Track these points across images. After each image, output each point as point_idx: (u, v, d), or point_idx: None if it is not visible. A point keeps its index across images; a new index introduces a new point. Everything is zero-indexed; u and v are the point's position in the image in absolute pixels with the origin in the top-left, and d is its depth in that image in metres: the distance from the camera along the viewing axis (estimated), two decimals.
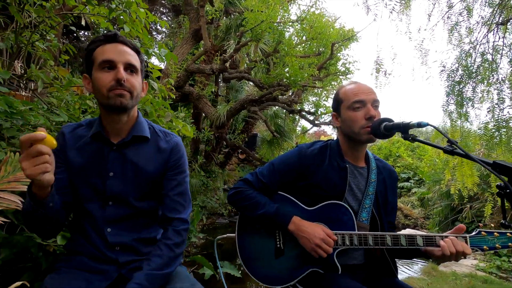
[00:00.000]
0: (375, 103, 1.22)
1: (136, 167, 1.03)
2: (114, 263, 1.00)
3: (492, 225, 4.19)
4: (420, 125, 0.90)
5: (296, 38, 5.68)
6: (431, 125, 0.93)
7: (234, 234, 1.41)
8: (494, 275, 3.22)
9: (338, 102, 1.30)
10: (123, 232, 1.02)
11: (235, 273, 2.00)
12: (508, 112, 2.60)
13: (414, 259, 4.34)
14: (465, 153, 0.71)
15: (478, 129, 2.75)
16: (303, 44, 5.88)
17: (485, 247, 1.09)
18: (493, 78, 2.81)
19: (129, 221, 1.04)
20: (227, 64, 5.02)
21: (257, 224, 1.31)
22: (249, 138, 8.69)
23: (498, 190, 0.60)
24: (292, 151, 1.37)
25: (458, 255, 1.08)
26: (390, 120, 1.10)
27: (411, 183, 9.55)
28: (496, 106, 2.71)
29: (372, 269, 1.32)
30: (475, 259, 3.87)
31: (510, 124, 2.63)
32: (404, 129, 0.98)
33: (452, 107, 2.81)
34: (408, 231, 6.63)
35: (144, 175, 1.04)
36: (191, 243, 3.53)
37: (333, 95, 1.40)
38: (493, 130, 2.64)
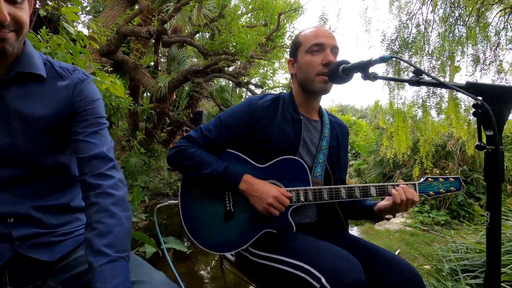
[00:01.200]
0: (334, 49, 1.13)
1: (23, 114, 0.76)
2: (6, 239, 0.74)
3: None
4: (383, 59, 0.82)
5: (242, 6, 5.41)
6: (396, 57, 0.85)
7: (176, 201, 1.23)
8: (419, 229, 3.66)
9: (296, 46, 1.19)
10: (17, 199, 0.76)
11: (181, 248, 1.84)
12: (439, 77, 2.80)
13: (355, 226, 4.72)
14: (434, 78, 0.64)
15: (411, 97, 2.95)
16: (250, 15, 5.64)
17: (431, 192, 1.12)
18: (425, 50, 3.00)
19: (26, 184, 0.78)
20: (167, 26, 4.53)
21: (203, 186, 1.15)
22: (194, 114, 8.26)
23: (474, 110, 0.52)
24: (241, 103, 1.22)
25: (408, 203, 1.08)
26: (347, 62, 1.01)
27: (349, 156, 10.33)
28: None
29: (324, 226, 1.29)
30: (402, 217, 4.36)
31: (437, 91, 2.86)
32: (364, 67, 0.90)
33: (390, 76, 2.95)
34: None
35: (38, 124, 0.78)
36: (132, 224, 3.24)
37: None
38: (425, 98, 2.84)
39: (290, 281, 0.96)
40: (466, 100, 3.53)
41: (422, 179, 1.14)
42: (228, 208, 1.14)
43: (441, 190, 1.12)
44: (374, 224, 4.02)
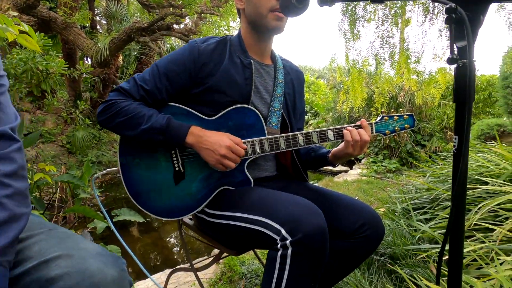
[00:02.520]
0: None
1: None
2: None
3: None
4: None
5: None
6: None
7: (116, 168, 1.07)
8: (373, 177, 3.91)
9: None
10: None
11: (137, 218, 1.69)
12: (391, 29, 2.79)
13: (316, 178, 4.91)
14: None
15: (366, 48, 2.92)
16: None
17: (387, 131, 1.09)
18: None
19: None
20: None
21: (145, 146, 0.99)
22: None
23: (447, 15, 0.43)
24: (180, 48, 1.04)
25: (361, 143, 1.02)
26: None
27: (308, 116, 10.56)
28: (381, 24, 2.87)
29: (284, 178, 1.22)
30: (359, 168, 4.62)
31: (390, 42, 2.85)
32: None
33: (346, 26, 2.87)
34: None
35: None
36: (81, 200, 2.97)
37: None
38: (379, 48, 2.83)
39: (251, 238, 0.89)
40: (416, 51, 3.63)
41: (378, 118, 1.10)
42: (177, 168, 1.01)
43: (396, 128, 1.10)
44: (334, 176, 4.21)
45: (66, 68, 3.69)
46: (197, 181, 1.02)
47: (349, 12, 2.84)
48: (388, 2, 3.22)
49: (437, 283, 0.55)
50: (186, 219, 1.34)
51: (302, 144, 1.03)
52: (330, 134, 1.05)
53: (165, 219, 1.04)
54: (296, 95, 1.20)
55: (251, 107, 1.03)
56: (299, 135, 1.03)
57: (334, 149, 1.10)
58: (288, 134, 1.02)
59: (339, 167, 5.37)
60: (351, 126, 1.06)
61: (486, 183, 1.40)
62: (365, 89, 2.86)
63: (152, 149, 1.00)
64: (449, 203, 1.54)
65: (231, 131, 1.01)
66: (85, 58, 6.39)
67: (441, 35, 3.65)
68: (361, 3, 2.89)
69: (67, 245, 0.66)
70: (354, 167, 4.93)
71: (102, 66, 4.98)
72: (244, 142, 0.99)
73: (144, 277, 1.71)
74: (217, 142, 0.92)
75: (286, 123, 1.14)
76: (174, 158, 1.01)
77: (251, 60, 1.05)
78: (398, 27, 3.31)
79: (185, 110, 1.01)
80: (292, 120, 1.16)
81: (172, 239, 3.24)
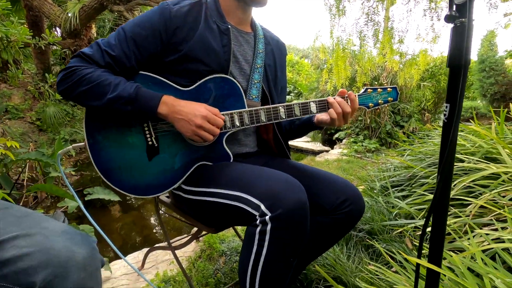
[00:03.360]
0: None
1: None
2: None
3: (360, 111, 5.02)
4: None
5: None
6: None
7: (82, 143, 0.98)
8: (353, 156, 3.98)
9: None
10: None
11: (111, 197, 1.62)
12: (376, 6, 2.73)
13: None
14: None
15: (351, 24, 2.86)
16: None
17: (370, 104, 1.07)
18: None
19: None
20: None
21: (113, 117, 0.90)
22: None
23: None
24: (150, 10, 0.93)
25: (346, 116, 1.00)
26: None
27: (291, 96, 10.50)
28: (366, 0, 2.80)
29: (265, 155, 1.18)
30: (340, 148, 4.69)
31: (375, 19, 2.80)
32: None
33: (332, 1, 2.77)
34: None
35: None
36: (53, 179, 2.82)
37: None
38: (363, 26, 2.77)
39: (229, 215, 0.86)
40: (400, 31, 3.60)
41: (362, 90, 1.06)
42: (150, 142, 0.94)
43: (380, 101, 1.08)
44: (315, 156, 4.25)
45: (31, 37, 3.39)
46: (173, 156, 0.96)
47: None
48: None
49: (419, 256, 0.53)
50: (163, 196, 1.29)
51: (284, 117, 0.98)
52: (313, 107, 1.01)
53: (139, 197, 0.98)
54: (277, 67, 1.14)
55: (230, 77, 0.96)
56: (280, 107, 0.98)
57: (318, 115, 1.06)
58: (269, 106, 0.97)
59: (320, 146, 5.43)
60: (333, 98, 1.02)
61: (462, 161, 1.43)
62: (349, 67, 2.83)
63: (122, 121, 0.91)
64: (426, 180, 1.57)
65: (209, 103, 0.94)
66: (54, 29, 5.90)
67: (425, 15, 3.63)
68: None
69: (26, 224, 0.60)
70: (335, 147, 5.00)
71: (73, 37, 4.61)
72: (223, 114, 0.92)
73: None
74: (192, 112, 0.85)
75: (266, 97, 1.08)
76: (147, 132, 0.93)
77: (229, 26, 0.97)
78: (383, 4, 3.25)
79: (158, 80, 0.93)
80: (273, 93, 1.10)
81: (152, 218, 3.18)
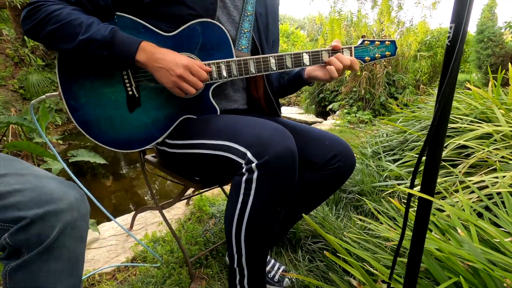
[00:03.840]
0: None
1: None
2: None
3: (347, 88, 4.94)
4: None
5: None
6: None
7: (56, 93, 0.91)
8: (346, 127, 3.96)
9: None
10: None
11: (97, 160, 1.57)
12: None
13: None
14: None
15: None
16: None
17: (366, 58, 1.00)
18: None
19: None
20: None
21: (88, 63, 0.83)
22: None
23: None
24: None
25: (343, 70, 0.95)
26: None
27: None
28: None
29: (255, 112, 1.14)
30: (333, 119, 4.65)
31: None
32: None
33: None
34: (283, 108, 7.41)
35: None
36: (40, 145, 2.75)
37: None
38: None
39: (215, 166, 0.82)
40: None
41: (359, 42, 1.00)
42: (130, 92, 0.87)
43: (377, 55, 1.01)
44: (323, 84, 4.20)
45: None
46: (155, 109, 0.90)
47: None
48: None
49: (411, 186, 0.51)
50: (149, 156, 1.25)
51: (274, 68, 0.92)
52: (306, 58, 0.94)
53: (121, 151, 0.93)
54: (269, 17, 1.06)
55: (217, 23, 0.88)
56: (271, 58, 0.91)
57: (308, 69, 1.00)
58: (258, 56, 0.90)
59: (313, 118, 5.40)
60: (326, 50, 0.95)
61: (456, 123, 1.41)
62: (344, 32, 2.71)
63: (98, 68, 0.84)
64: (418, 144, 1.55)
65: (192, 51, 0.87)
66: None
67: None
68: None
69: (16, 166, 0.60)
70: (328, 118, 4.96)
71: None
72: (208, 64, 0.86)
73: (109, 220, 1.65)
74: (173, 61, 0.78)
75: (257, 49, 1.01)
76: (127, 81, 0.86)
77: None
78: None
79: (136, 23, 0.84)
80: (264, 44, 1.03)
81: (142, 185, 3.17)
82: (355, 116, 4.48)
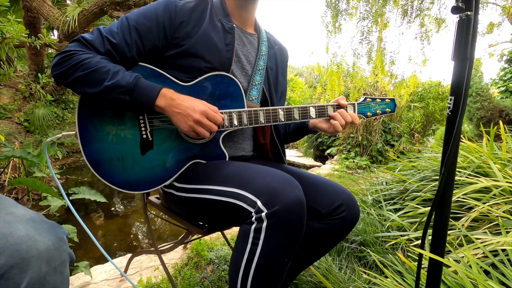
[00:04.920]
0: None
1: None
2: None
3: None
4: None
5: None
6: None
7: (73, 132, 0.95)
8: (345, 172, 3.99)
9: None
10: None
11: (98, 198, 1.56)
12: (371, 26, 2.82)
13: None
14: None
15: (346, 42, 2.94)
16: None
17: (368, 113, 1.07)
18: None
19: None
20: None
21: (108, 107, 0.88)
22: None
23: None
24: (155, 2, 0.93)
25: (346, 126, 1.02)
26: None
27: None
28: (362, 20, 2.90)
29: (261, 159, 1.17)
30: (331, 164, 4.70)
31: (370, 37, 2.89)
32: None
33: (329, 19, 2.86)
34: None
35: None
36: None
37: None
38: (358, 43, 2.85)
39: (224, 213, 0.83)
40: (392, 52, 3.72)
41: (361, 99, 1.08)
42: (144, 136, 0.91)
43: (378, 111, 1.09)
44: (307, 170, 4.24)
45: (27, 36, 3.35)
46: (167, 152, 0.93)
47: (333, 5, 2.84)
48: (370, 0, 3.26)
49: (422, 246, 0.52)
50: (152, 197, 1.25)
51: (283, 120, 0.98)
52: (312, 112, 1.01)
53: (128, 192, 0.94)
54: (279, 71, 1.15)
55: (231, 76, 0.95)
56: (279, 110, 0.97)
57: (313, 121, 1.07)
58: (268, 108, 0.96)
59: (312, 162, 5.45)
60: (331, 105, 1.03)
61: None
62: (343, 83, 2.89)
63: (117, 112, 0.89)
64: (418, 194, 1.57)
65: (208, 100, 0.93)
66: (52, 31, 5.88)
67: (416, 38, 3.78)
68: None
69: None
70: (326, 162, 5.01)
71: (70, 40, 4.59)
72: (222, 113, 0.91)
73: (104, 261, 1.58)
74: (191, 107, 0.83)
75: (266, 99, 1.08)
76: (142, 124, 0.91)
77: (234, 25, 0.97)
78: (377, 25, 3.37)
79: (157, 72, 0.92)
80: (273, 96, 1.10)
81: (138, 226, 3.08)
82: (353, 162, 4.54)
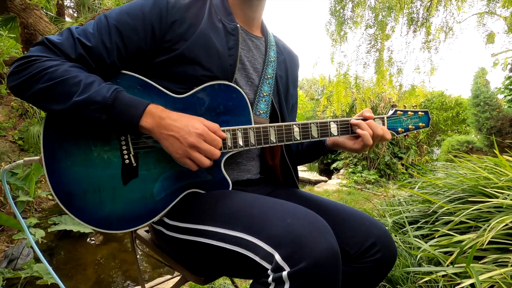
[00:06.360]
0: None
1: None
2: None
3: None
4: None
5: None
6: None
7: (37, 157, 0.76)
8: (353, 188, 3.78)
9: None
10: None
11: (81, 228, 1.36)
12: (377, 34, 2.69)
13: None
14: None
15: (352, 51, 2.81)
16: None
17: (399, 129, 0.90)
18: (368, 1, 2.84)
19: None
20: None
21: (81, 126, 0.70)
22: None
23: None
24: None
25: (375, 140, 0.83)
26: None
27: None
28: (365, 29, 2.78)
29: (270, 183, 0.98)
30: (338, 179, 4.49)
31: (378, 45, 2.76)
32: None
33: (333, 28, 2.73)
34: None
35: None
36: (25, 204, 2.52)
37: None
38: (365, 53, 2.72)
39: (227, 264, 0.63)
40: (398, 61, 3.59)
41: (390, 112, 0.90)
42: (127, 161, 0.73)
43: (410, 126, 0.91)
44: (313, 186, 4.03)
45: (19, 52, 3.22)
46: (155, 180, 0.75)
47: (337, 13, 2.71)
48: (376, 8, 3.16)
49: None
50: (141, 230, 1.05)
51: (298, 138, 0.80)
52: (333, 128, 0.83)
53: (108, 232, 0.75)
54: (290, 80, 0.98)
55: (234, 85, 0.78)
56: (294, 126, 0.79)
57: (335, 138, 0.88)
58: (280, 124, 0.78)
59: (317, 176, 5.23)
60: (356, 119, 0.85)
61: (495, 197, 1.25)
62: (349, 93, 2.74)
63: (92, 132, 0.71)
64: (451, 218, 1.36)
65: (206, 116, 0.75)
66: None
67: (423, 48, 3.65)
68: (350, 4, 2.78)
69: None
70: (333, 177, 4.80)
71: None
72: (223, 131, 0.73)
73: None
74: (185, 128, 0.65)
75: (276, 113, 0.90)
76: (124, 147, 0.72)
77: (238, 25, 0.81)
78: (384, 33, 3.25)
79: (144, 82, 0.74)
80: (284, 109, 0.93)
81: (129, 255, 2.82)
82: (361, 176, 4.33)
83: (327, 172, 5.51)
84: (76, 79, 0.64)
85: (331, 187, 3.77)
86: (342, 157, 5.16)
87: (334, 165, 5.14)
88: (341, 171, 4.90)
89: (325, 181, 4.42)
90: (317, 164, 5.55)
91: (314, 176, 5.16)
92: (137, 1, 0.75)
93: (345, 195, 3.21)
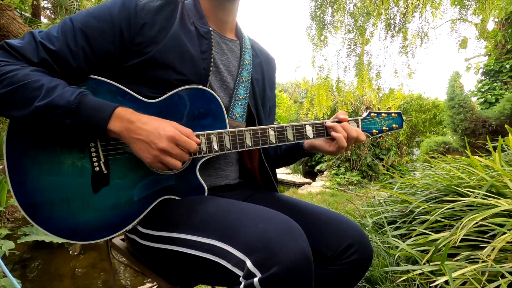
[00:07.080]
0: None
1: None
2: None
3: None
4: None
5: None
6: None
7: (0, 167, 0.72)
8: (336, 189, 3.83)
9: None
10: None
11: (53, 239, 1.30)
12: (357, 39, 2.75)
13: None
14: None
15: (333, 55, 2.86)
16: None
17: (374, 130, 0.91)
18: (347, 6, 2.90)
19: None
20: None
21: (46, 131, 0.67)
22: None
23: None
24: (111, 0, 0.75)
25: (350, 142, 0.84)
26: None
27: None
28: (345, 33, 2.84)
29: (248, 187, 0.97)
30: (322, 180, 4.55)
31: (357, 50, 2.82)
32: None
33: (314, 32, 2.78)
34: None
35: None
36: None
37: None
38: (346, 57, 2.77)
39: (200, 272, 0.62)
40: (376, 65, 3.69)
41: (364, 114, 0.91)
42: (97, 169, 0.70)
43: (384, 128, 0.93)
44: (297, 188, 4.06)
45: None
46: (127, 188, 0.72)
47: (318, 18, 2.76)
48: (355, 13, 3.23)
49: None
50: (117, 239, 1.02)
51: (274, 141, 0.80)
52: (309, 131, 0.83)
53: (77, 243, 0.72)
54: (266, 83, 0.98)
55: (208, 89, 0.77)
56: (270, 130, 0.79)
57: (310, 140, 0.88)
58: (256, 127, 0.78)
59: (301, 179, 5.27)
60: (331, 122, 0.86)
61: (467, 195, 1.30)
62: (331, 96, 2.79)
63: (59, 138, 0.68)
64: (427, 217, 1.40)
65: (179, 121, 0.74)
66: None
67: (401, 52, 3.77)
68: (330, 9, 2.83)
69: None
70: (317, 179, 4.86)
71: None
72: (197, 136, 0.72)
73: None
74: (155, 132, 0.64)
75: (252, 117, 0.90)
76: (94, 154, 0.70)
77: (210, 29, 0.80)
78: (364, 38, 3.34)
79: (113, 87, 0.72)
80: (261, 113, 0.92)
81: (116, 260, 2.73)
82: (344, 178, 4.40)
83: (312, 174, 5.57)
84: (37, 83, 0.61)
85: (315, 189, 3.81)
86: (326, 159, 5.23)
87: (318, 167, 5.20)
88: (325, 173, 4.96)
89: (309, 183, 4.46)
90: (301, 166, 5.60)
91: (298, 178, 5.20)
92: (104, 4, 0.73)
93: (328, 197, 3.25)
